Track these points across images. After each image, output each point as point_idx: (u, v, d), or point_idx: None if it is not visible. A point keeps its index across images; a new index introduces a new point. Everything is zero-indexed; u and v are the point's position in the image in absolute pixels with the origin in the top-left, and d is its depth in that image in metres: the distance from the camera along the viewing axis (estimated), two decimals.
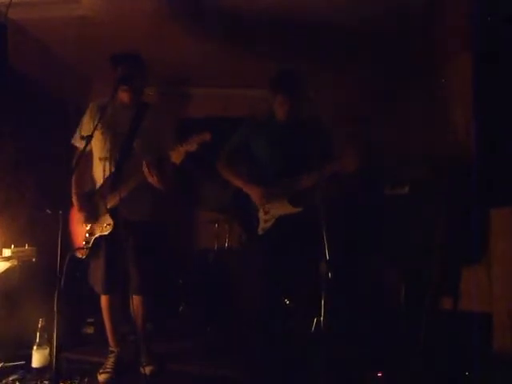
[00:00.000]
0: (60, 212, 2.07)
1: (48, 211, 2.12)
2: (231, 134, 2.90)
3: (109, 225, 2.60)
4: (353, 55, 3.78)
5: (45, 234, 2.95)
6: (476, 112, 2.61)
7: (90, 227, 2.66)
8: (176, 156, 2.43)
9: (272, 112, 2.82)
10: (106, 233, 2.62)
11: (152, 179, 2.52)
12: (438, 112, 3.19)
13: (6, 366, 2.63)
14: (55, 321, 2.01)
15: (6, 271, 2.86)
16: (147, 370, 2.73)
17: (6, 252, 2.93)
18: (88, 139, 2.35)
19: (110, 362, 2.78)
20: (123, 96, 2.69)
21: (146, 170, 2.50)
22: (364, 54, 3.73)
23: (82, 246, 2.64)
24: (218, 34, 3.55)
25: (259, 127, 2.84)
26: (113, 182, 2.60)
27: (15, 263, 2.93)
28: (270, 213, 2.69)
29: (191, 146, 2.41)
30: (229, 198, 3.02)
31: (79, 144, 2.72)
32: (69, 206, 2.68)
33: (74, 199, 2.71)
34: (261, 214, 2.71)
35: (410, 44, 3.44)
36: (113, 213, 2.60)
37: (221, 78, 4.46)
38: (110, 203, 2.59)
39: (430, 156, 2.98)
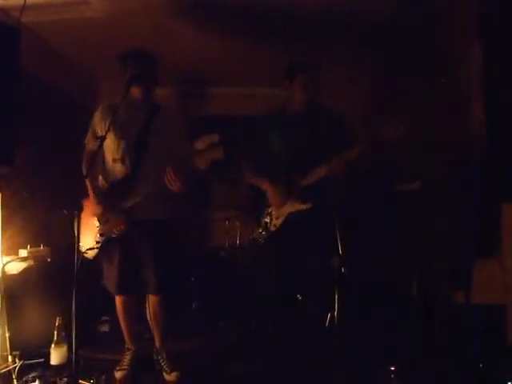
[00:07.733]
0: (76, 212, 2.10)
1: (65, 212, 2.13)
2: (244, 134, 2.91)
3: (122, 226, 2.57)
4: (367, 49, 3.74)
5: (59, 234, 2.99)
6: (489, 106, 2.62)
7: (101, 228, 2.63)
8: (201, 162, 2.37)
9: (285, 106, 2.81)
10: (117, 233, 2.58)
11: (174, 186, 2.44)
12: (450, 107, 3.18)
13: (26, 364, 2.67)
14: (73, 319, 2.04)
15: (23, 271, 2.90)
16: (172, 376, 2.73)
17: (23, 252, 2.98)
18: (101, 140, 2.35)
19: (126, 359, 2.80)
20: (135, 94, 2.63)
21: (169, 177, 2.42)
22: (378, 49, 3.69)
23: (92, 246, 2.61)
24: (233, 30, 3.48)
25: (271, 123, 2.84)
26: (129, 184, 2.59)
27: (31, 263, 2.98)
28: (280, 210, 2.71)
29: (199, 147, 2.39)
30: (240, 195, 3.02)
31: (92, 145, 2.70)
32: (82, 206, 2.64)
33: (92, 197, 2.65)
34: (273, 211, 2.72)
35: (423, 38, 3.41)
36: (128, 214, 2.57)
37: (239, 76, 4.43)
38: (127, 205, 2.56)
39: (443, 150, 2.98)
